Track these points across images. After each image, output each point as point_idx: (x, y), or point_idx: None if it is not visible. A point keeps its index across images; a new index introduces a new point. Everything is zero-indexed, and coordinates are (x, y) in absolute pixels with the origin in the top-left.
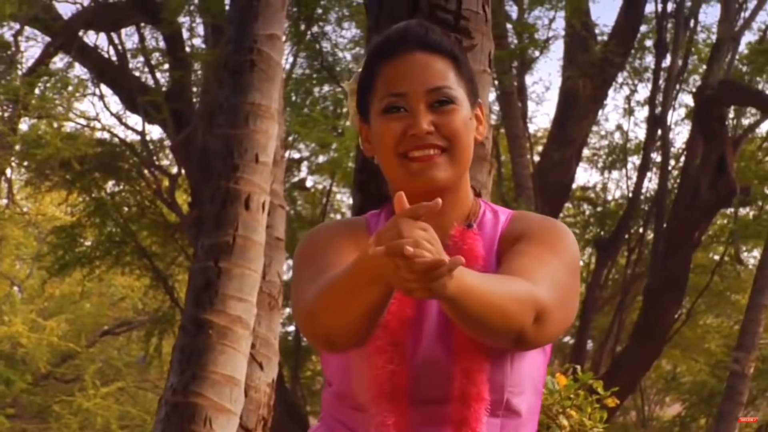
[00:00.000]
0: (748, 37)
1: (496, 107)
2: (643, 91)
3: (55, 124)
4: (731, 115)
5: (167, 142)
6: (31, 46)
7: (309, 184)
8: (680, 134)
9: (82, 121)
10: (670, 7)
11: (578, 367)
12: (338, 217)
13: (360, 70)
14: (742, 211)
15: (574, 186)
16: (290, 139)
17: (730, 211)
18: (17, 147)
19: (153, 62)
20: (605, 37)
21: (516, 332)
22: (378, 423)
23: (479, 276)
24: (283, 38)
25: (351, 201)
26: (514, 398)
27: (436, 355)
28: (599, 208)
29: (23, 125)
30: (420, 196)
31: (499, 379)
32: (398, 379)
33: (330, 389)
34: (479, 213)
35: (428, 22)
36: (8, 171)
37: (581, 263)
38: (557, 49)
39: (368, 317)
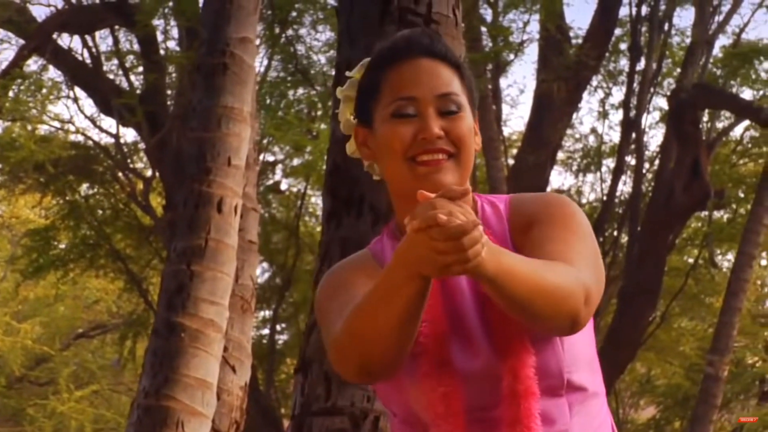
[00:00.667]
0: (723, 41)
1: None
2: (618, 94)
3: (29, 127)
4: (705, 118)
5: (141, 145)
6: (5, 49)
7: (284, 186)
8: (654, 137)
9: (56, 124)
10: (644, 10)
11: None
12: (313, 220)
13: (352, 76)
14: (717, 214)
15: (548, 189)
16: (265, 141)
17: (704, 214)
18: None
19: (127, 65)
20: (580, 41)
21: (572, 317)
22: None
23: (524, 259)
24: (257, 41)
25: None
26: (574, 376)
27: (483, 361)
28: None
29: None
30: None
31: (554, 365)
32: (451, 398)
33: (396, 419)
34: (478, 209)
35: (432, 32)
36: None
37: None
38: (532, 52)
39: (403, 327)
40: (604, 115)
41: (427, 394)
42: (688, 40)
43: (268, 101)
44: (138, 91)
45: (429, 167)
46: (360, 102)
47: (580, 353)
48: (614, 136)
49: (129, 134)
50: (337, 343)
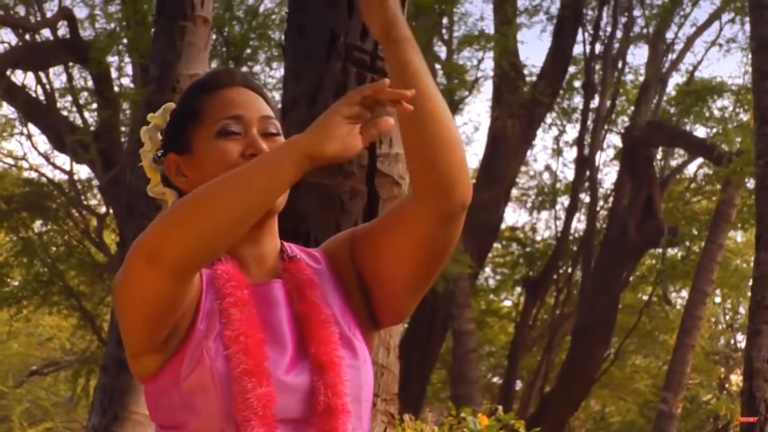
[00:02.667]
0: (676, 79)
1: None
2: (572, 131)
3: None
4: (659, 156)
5: (95, 182)
6: None
7: None
8: (609, 175)
9: (10, 161)
10: (598, 48)
11: (500, 407)
12: None
13: (152, 120)
14: (670, 251)
15: (502, 226)
16: None
17: (658, 251)
18: None
19: (81, 102)
20: (534, 78)
21: (466, 189)
22: None
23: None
24: None
25: None
26: (365, 412)
27: (300, 374)
28: (528, 249)
29: None
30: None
31: (356, 392)
32: (269, 401)
33: None
34: (286, 249)
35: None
36: None
37: (510, 303)
38: (486, 89)
39: (266, 204)
40: (558, 152)
41: (244, 393)
42: (641, 78)
43: None
44: (92, 128)
45: None
46: (176, 129)
47: (370, 390)
48: (568, 174)
49: (83, 171)
50: (180, 213)
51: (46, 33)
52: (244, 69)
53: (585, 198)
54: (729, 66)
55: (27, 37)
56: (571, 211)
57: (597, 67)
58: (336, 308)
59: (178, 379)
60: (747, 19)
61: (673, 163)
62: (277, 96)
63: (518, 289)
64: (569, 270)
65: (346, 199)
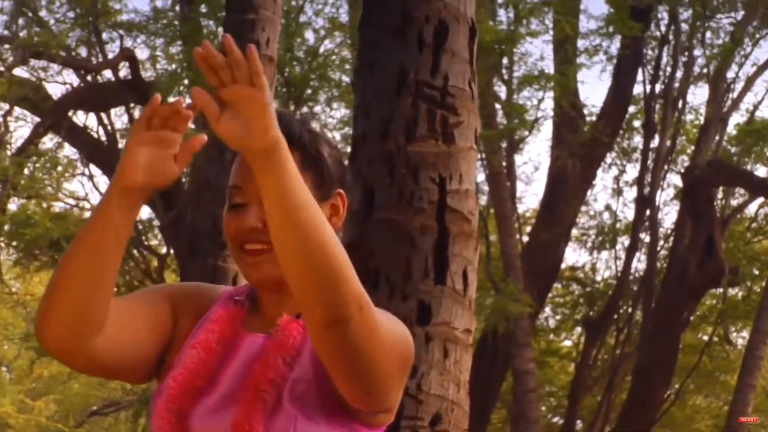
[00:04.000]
0: (736, 118)
1: (485, 187)
2: (632, 171)
3: (45, 204)
4: (720, 195)
5: (156, 222)
6: (21, 127)
7: None
8: (669, 215)
9: (72, 201)
10: (658, 88)
11: None
12: None
13: None
14: (731, 291)
15: (563, 266)
16: None
17: (718, 291)
18: (6, 227)
19: None
20: (594, 118)
21: (357, 299)
22: None
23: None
24: None
25: None
26: None
27: (218, 425)
28: (588, 288)
29: (12, 205)
30: (261, 286)
31: None
32: None
33: None
34: None
35: (299, 114)
36: None
37: (570, 343)
38: (546, 129)
39: (105, 250)
40: (618, 192)
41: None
42: (702, 118)
43: None
44: None
45: (251, 257)
46: None
47: None
48: (628, 213)
49: (143, 211)
50: (44, 298)
51: (107, 74)
52: (305, 109)
53: (645, 238)
54: None
55: (89, 78)
56: (631, 251)
57: (657, 106)
58: (297, 377)
59: None
60: None
61: (734, 202)
62: (338, 136)
63: (578, 329)
64: (629, 310)
65: (416, 235)
